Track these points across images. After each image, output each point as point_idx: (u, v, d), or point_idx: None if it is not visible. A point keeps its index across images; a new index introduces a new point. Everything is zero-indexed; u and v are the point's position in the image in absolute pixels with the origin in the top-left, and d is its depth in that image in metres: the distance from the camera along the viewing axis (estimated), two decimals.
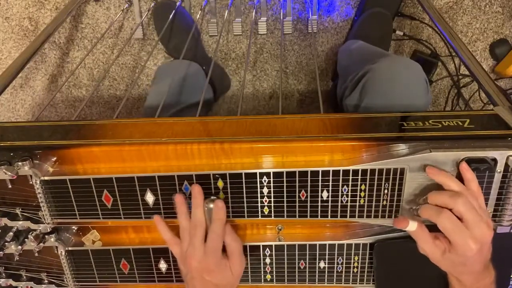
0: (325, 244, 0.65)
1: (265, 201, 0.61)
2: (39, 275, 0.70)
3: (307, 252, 0.66)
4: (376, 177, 0.58)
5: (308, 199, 0.60)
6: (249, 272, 0.68)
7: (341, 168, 0.58)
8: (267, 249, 0.66)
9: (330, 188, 0.59)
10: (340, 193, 0.60)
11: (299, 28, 1.33)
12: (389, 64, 0.83)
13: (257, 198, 0.61)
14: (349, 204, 0.60)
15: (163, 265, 0.68)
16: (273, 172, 0.59)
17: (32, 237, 0.64)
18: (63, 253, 0.67)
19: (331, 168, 0.58)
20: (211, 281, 0.60)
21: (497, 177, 0.57)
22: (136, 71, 1.41)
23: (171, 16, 1.18)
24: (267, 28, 1.32)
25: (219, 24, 1.33)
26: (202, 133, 0.63)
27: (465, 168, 0.56)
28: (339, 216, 0.61)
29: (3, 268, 0.70)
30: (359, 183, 0.59)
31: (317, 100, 1.32)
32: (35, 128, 0.67)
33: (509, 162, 0.56)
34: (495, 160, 0.56)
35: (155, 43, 1.35)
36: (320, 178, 0.59)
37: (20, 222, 0.64)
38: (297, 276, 0.67)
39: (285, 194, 0.60)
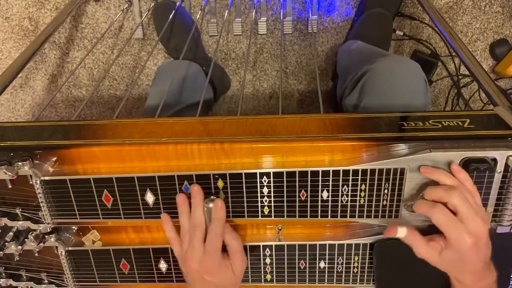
0: (325, 244, 0.65)
1: (265, 201, 0.61)
2: (39, 275, 0.70)
3: (307, 252, 0.66)
4: (376, 177, 0.58)
5: (308, 199, 0.60)
6: (249, 272, 0.68)
7: (341, 168, 0.58)
8: (267, 249, 0.66)
9: (330, 188, 0.59)
10: (340, 193, 0.60)
11: (299, 28, 1.33)
12: (388, 64, 0.83)
13: (257, 198, 0.61)
14: (349, 204, 0.60)
15: (163, 265, 0.68)
16: (273, 172, 0.59)
17: (32, 237, 0.64)
18: (63, 253, 0.67)
19: (331, 168, 0.58)
20: (212, 282, 0.59)
21: (497, 177, 0.57)
22: (136, 71, 1.41)
23: (171, 16, 1.18)
24: (267, 28, 1.32)
25: (219, 24, 1.33)
26: (202, 133, 0.63)
27: (456, 170, 0.56)
28: (339, 216, 0.61)
29: (3, 268, 0.70)
30: (359, 183, 0.59)
31: (317, 100, 1.32)
32: (35, 128, 0.67)
33: (509, 162, 0.56)
34: (495, 160, 0.56)
35: (155, 43, 1.35)
36: (320, 178, 0.59)
37: (20, 222, 0.64)
38: (297, 276, 0.67)
39: (285, 194, 0.60)
